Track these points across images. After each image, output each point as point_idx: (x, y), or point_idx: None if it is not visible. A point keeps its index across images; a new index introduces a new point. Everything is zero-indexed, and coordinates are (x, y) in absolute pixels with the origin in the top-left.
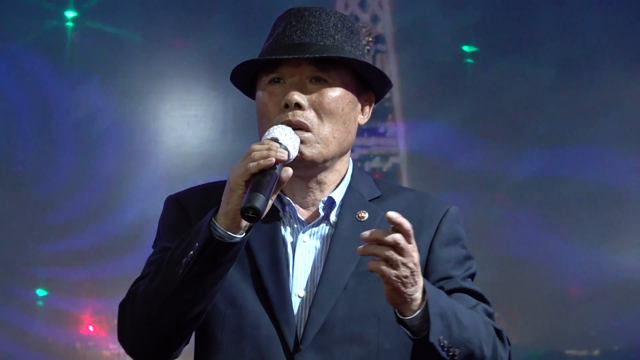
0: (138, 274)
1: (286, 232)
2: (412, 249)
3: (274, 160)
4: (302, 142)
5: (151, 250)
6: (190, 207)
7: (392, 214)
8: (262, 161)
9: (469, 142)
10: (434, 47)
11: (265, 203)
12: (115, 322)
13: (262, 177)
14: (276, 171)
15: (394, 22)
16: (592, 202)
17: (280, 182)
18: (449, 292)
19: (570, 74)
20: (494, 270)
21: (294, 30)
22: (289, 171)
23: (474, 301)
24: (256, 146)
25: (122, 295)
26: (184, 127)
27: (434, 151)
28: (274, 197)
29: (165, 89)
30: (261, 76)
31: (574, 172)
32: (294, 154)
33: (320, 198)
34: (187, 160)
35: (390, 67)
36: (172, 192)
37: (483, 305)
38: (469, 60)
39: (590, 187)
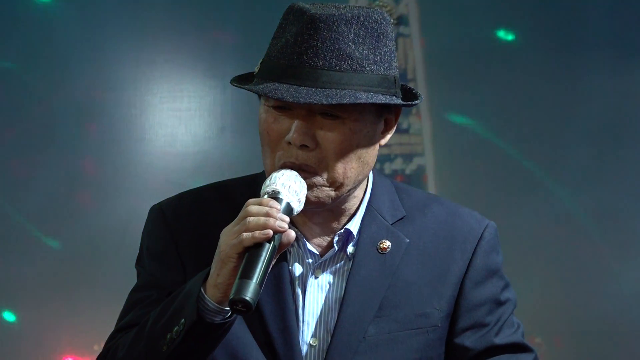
0: (118, 291)
1: (294, 268)
2: None
3: (271, 233)
4: (308, 186)
5: (133, 262)
6: (179, 226)
7: None
8: (257, 234)
9: (505, 140)
10: (465, 31)
11: (259, 290)
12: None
13: (256, 253)
14: (274, 242)
15: (419, 2)
16: None
17: (281, 247)
18: (480, 355)
19: (623, 62)
20: (534, 291)
21: (305, 48)
22: (290, 235)
23: None
24: (253, 208)
25: (103, 317)
26: (175, 122)
27: (464, 151)
28: (272, 263)
29: (154, 78)
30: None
31: (627, 173)
32: (298, 208)
33: (335, 227)
34: (179, 161)
35: (414, 53)
36: (161, 199)
37: None
38: (505, 46)
39: None
